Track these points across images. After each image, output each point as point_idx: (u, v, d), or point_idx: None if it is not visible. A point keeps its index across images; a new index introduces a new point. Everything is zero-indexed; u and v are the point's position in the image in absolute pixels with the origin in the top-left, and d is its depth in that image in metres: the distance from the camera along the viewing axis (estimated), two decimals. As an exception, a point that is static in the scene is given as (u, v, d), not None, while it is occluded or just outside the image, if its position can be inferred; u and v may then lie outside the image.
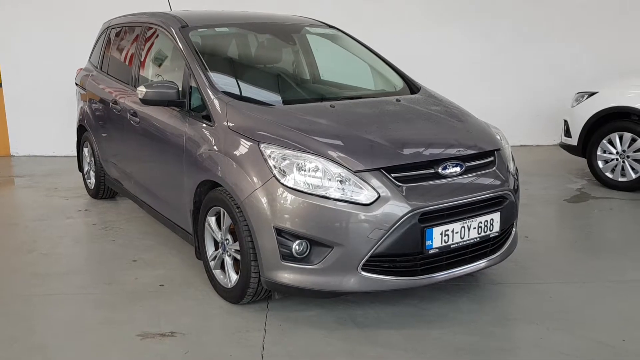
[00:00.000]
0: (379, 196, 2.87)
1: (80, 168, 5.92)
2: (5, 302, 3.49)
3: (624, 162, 5.79)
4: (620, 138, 5.79)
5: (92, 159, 5.53)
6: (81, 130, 5.72)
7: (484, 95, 7.91)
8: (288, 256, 2.97)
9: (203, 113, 3.55)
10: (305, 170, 2.95)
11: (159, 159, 4.00)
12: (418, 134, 3.31)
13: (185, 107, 3.69)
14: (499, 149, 3.41)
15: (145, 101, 3.72)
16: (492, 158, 3.33)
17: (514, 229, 3.49)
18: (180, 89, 3.69)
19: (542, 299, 3.44)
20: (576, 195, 5.72)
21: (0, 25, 7.67)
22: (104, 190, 5.50)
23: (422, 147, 3.16)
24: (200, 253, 3.61)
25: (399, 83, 4.21)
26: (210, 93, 3.52)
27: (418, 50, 7.76)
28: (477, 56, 8.06)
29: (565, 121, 6.34)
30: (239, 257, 3.22)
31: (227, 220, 3.28)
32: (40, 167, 7.20)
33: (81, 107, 5.64)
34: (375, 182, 2.91)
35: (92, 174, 5.62)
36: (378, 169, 2.94)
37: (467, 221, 3.06)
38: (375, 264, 2.94)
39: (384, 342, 2.95)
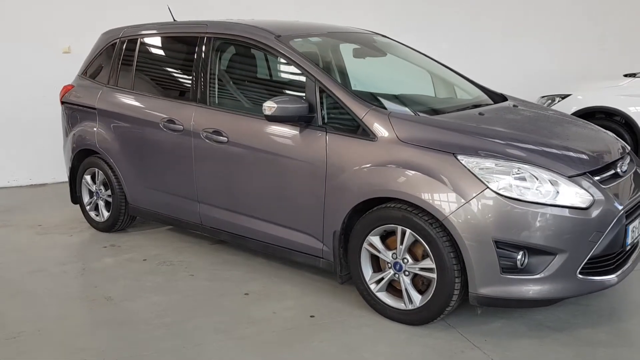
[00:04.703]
0: (594, 199, 2.94)
1: (75, 199, 5.16)
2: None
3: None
4: (595, 134, 6.48)
5: (102, 187, 4.86)
6: (82, 155, 4.98)
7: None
8: (509, 268, 2.91)
9: (350, 127, 3.33)
10: (517, 179, 2.92)
11: (271, 181, 3.65)
12: (586, 137, 3.45)
13: (318, 122, 3.43)
14: None
15: (272, 117, 3.40)
16: (630, 157, 3.56)
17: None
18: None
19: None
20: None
21: None
22: (123, 221, 4.85)
23: (599, 149, 3.30)
24: (353, 277, 3.39)
25: (473, 89, 4.29)
26: (359, 106, 3.32)
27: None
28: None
29: (537, 122, 6.90)
30: (428, 275, 3.08)
31: (408, 239, 3.11)
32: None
33: (81, 130, 4.90)
34: (586, 185, 2.97)
35: (101, 204, 4.92)
36: (584, 173, 3.01)
37: (640, 217, 3.26)
38: (585, 266, 3.00)
39: (597, 340, 3.03)
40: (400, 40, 4.68)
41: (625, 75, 6.73)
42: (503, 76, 8.13)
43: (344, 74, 4.06)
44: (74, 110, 5.01)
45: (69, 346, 3.09)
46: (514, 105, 3.86)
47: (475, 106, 3.78)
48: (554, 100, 6.76)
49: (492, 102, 4.02)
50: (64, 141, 5.18)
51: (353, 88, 3.76)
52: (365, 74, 4.21)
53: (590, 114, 6.54)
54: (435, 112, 3.58)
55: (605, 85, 6.60)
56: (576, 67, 8.65)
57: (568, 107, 6.55)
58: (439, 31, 8.22)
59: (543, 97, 6.99)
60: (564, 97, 6.69)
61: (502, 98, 4.13)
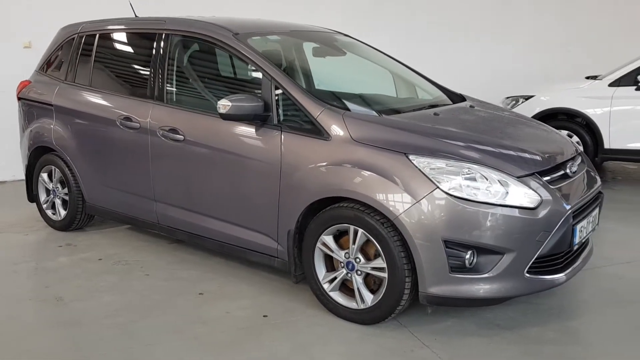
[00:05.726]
0: (542, 199, 2.97)
1: (32, 198, 5.06)
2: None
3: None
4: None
5: (59, 185, 4.78)
6: (38, 152, 4.88)
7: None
8: (458, 267, 2.93)
9: (305, 126, 3.32)
10: (467, 179, 2.94)
11: (227, 180, 3.62)
12: (537, 138, 3.49)
13: (274, 121, 3.42)
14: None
15: (227, 116, 3.38)
16: (581, 158, 3.62)
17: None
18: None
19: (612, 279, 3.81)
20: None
21: None
22: (81, 219, 4.77)
23: (549, 150, 3.34)
24: (306, 277, 3.38)
25: (433, 90, 4.31)
26: (314, 105, 3.31)
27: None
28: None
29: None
30: (379, 274, 3.08)
31: (360, 238, 3.12)
32: None
33: (38, 126, 4.80)
34: (534, 185, 3.00)
35: (58, 202, 4.84)
36: (533, 174, 3.05)
37: (589, 217, 3.30)
38: (532, 265, 3.03)
39: (545, 338, 3.07)
40: (369, 40, 4.68)
41: (587, 78, 6.84)
42: (478, 76, 8.24)
43: (302, 72, 4.05)
44: (31, 107, 4.92)
45: (13, 348, 3.03)
46: (471, 106, 3.89)
47: (433, 106, 3.80)
48: (518, 102, 6.84)
49: (451, 103, 4.04)
50: (21, 138, 5.08)
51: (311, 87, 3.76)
52: (325, 73, 4.21)
53: (553, 115, 6.65)
54: (392, 111, 3.59)
55: (567, 87, 6.70)
56: (550, 69, 8.75)
57: (531, 108, 6.64)
58: (408, 31, 8.25)
59: (507, 97, 7.07)
60: (527, 98, 6.77)
61: (461, 99, 4.16)
